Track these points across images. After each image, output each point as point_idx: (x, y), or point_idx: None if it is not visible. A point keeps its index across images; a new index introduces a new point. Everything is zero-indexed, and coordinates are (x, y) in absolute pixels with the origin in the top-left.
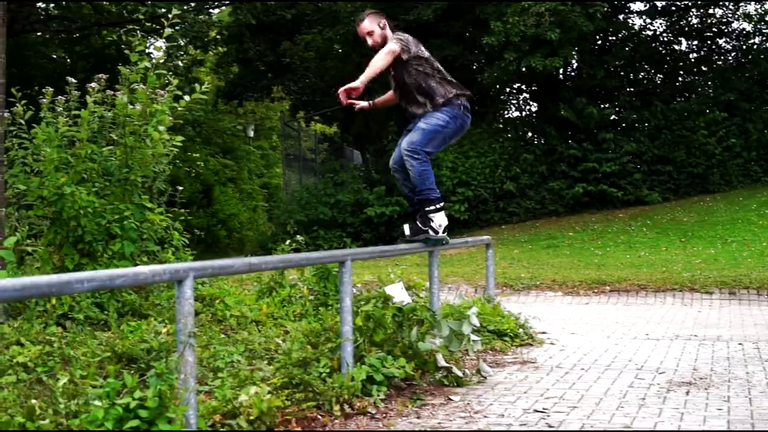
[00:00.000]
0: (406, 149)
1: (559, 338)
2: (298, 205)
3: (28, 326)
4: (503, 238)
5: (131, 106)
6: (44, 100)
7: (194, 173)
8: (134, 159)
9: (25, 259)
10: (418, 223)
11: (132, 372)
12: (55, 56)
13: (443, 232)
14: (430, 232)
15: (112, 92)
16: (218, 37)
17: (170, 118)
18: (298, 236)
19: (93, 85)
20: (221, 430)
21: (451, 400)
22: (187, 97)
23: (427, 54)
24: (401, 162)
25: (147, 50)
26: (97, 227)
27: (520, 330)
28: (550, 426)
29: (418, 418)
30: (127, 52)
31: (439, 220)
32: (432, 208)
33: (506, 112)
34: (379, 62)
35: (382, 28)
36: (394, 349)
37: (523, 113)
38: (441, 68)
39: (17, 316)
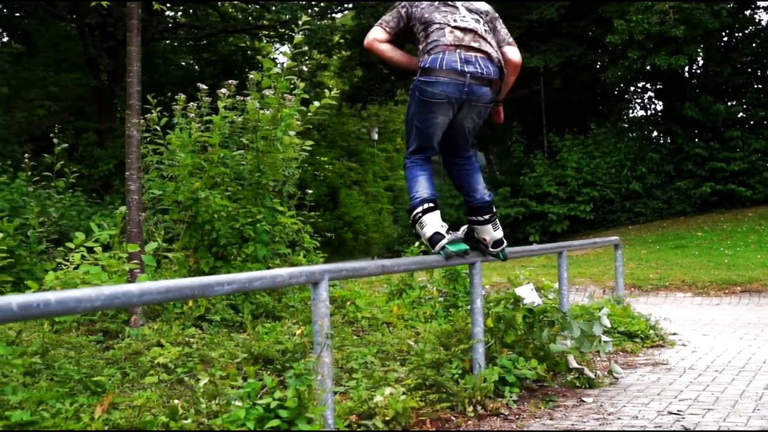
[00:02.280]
0: None
1: (690, 340)
2: None
3: (167, 328)
4: (630, 238)
5: (262, 111)
6: (177, 106)
7: (321, 176)
8: (265, 163)
9: (161, 262)
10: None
11: (268, 373)
12: (183, 63)
13: (450, 241)
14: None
15: (242, 98)
16: (341, 41)
17: (299, 122)
18: None
19: (223, 90)
20: (358, 430)
21: (584, 401)
22: (316, 102)
23: None
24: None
25: (273, 56)
26: (230, 231)
27: (651, 331)
28: (685, 428)
29: (551, 419)
30: (259, 58)
31: (429, 228)
32: (417, 213)
33: (631, 111)
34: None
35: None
36: (525, 350)
37: (648, 112)
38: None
39: (156, 318)
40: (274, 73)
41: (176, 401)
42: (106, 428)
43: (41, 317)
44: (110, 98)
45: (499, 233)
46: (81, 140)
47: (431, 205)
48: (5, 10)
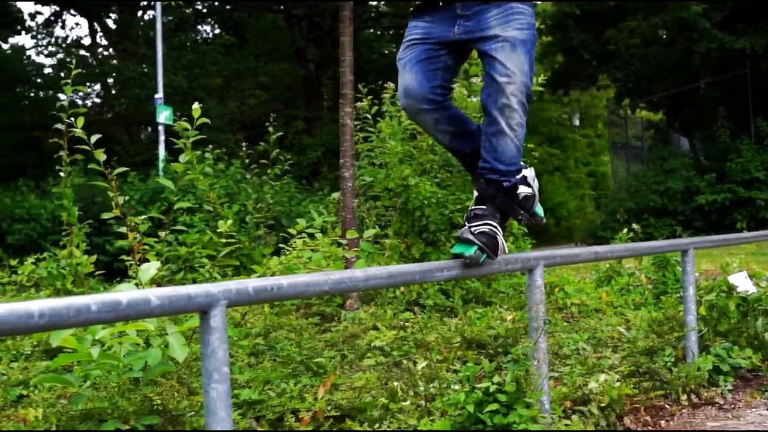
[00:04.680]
0: None
1: None
2: (627, 193)
3: (382, 312)
4: None
5: (470, 99)
6: (386, 94)
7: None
8: None
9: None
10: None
11: (482, 357)
12: (386, 51)
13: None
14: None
15: None
16: (542, 27)
17: None
18: (633, 225)
19: None
20: (573, 416)
21: None
22: None
23: None
24: None
25: None
26: (440, 217)
27: None
28: None
29: (767, 409)
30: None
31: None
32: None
33: None
34: None
35: None
36: (739, 339)
37: None
38: None
39: (369, 302)
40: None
41: (396, 383)
42: (329, 408)
43: (273, 300)
44: (317, 87)
45: None
46: (290, 128)
47: None
48: (216, 3)
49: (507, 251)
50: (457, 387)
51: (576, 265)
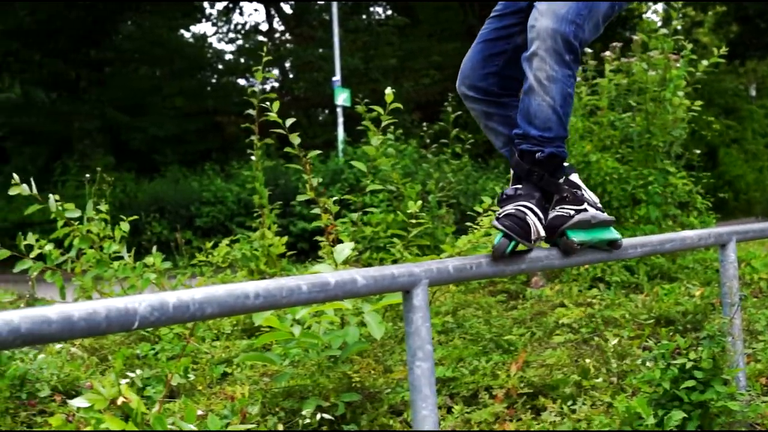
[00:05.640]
0: None
1: None
2: None
3: (567, 289)
4: None
5: (650, 73)
6: None
7: (698, 136)
8: (655, 125)
9: None
10: None
11: (671, 334)
12: None
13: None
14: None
15: (625, 59)
16: None
17: (686, 83)
18: None
19: (608, 53)
20: None
21: None
22: (704, 62)
23: None
24: None
25: (645, 15)
26: (622, 193)
27: None
28: None
29: None
30: (645, 18)
31: None
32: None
33: None
34: None
35: None
36: None
37: None
38: None
39: (554, 279)
40: (660, 34)
41: (587, 360)
42: (521, 385)
43: (472, 278)
44: None
45: None
46: (464, 107)
47: None
48: None
49: (543, 234)
50: (649, 364)
51: (763, 240)
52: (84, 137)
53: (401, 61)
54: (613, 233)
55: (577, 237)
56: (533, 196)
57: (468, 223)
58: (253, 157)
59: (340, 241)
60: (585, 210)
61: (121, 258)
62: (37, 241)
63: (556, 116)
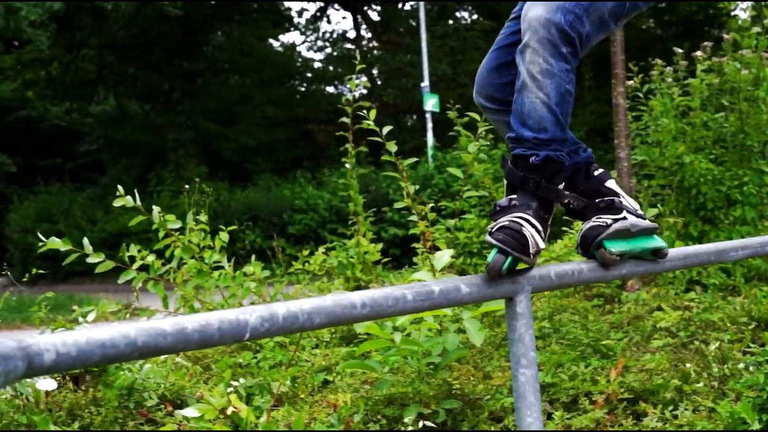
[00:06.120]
0: None
1: None
2: None
3: (664, 292)
4: None
5: (743, 72)
6: (654, 72)
7: None
8: (749, 124)
9: None
10: None
11: None
12: (644, 27)
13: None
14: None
15: (717, 59)
16: None
17: None
18: None
19: (699, 53)
20: None
21: None
22: None
23: None
24: None
25: (733, 12)
26: (717, 194)
27: None
28: None
29: None
30: (735, 16)
31: None
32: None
33: None
34: None
35: None
36: None
37: None
38: None
39: (649, 283)
40: (753, 32)
41: (688, 365)
42: (621, 390)
43: (573, 285)
44: (577, 67)
45: None
46: None
47: None
48: None
49: (545, 246)
50: (752, 368)
51: None
52: (178, 148)
53: None
54: (657, 241)
55: (616, 248)
56: (530, 206)
57: (564, 227)
58: (347, 165)
59: (437, 248)
60: (624, 218)
61: (221, 267)
62: (138, 251)
63: (551, 115)
